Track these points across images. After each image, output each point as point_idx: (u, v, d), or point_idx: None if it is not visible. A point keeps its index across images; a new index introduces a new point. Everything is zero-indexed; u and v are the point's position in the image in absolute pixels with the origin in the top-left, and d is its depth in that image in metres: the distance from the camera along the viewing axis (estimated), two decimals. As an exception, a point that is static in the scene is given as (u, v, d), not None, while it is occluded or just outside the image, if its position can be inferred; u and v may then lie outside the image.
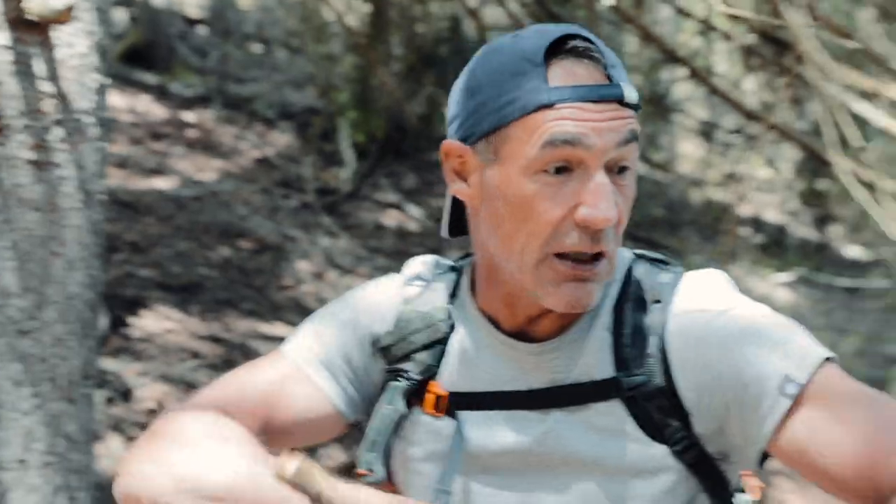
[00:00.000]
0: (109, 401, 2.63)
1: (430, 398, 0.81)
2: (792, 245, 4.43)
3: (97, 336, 1.76)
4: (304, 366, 0.82)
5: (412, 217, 4.31)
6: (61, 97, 1.59)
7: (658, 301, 0.76)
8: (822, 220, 4.39)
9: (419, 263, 0.87)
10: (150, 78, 5.41)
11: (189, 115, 5.09)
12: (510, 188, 0.71)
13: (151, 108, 4.89)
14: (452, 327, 0.82)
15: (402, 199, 4.24)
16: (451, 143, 0.75)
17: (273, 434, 0.78)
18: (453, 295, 0.84)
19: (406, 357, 0.82)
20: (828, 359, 0.67)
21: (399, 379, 0.82)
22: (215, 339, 3.10)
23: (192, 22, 7.15)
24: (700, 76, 3.17)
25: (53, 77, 1.58)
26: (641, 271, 0.79)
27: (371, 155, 4.34)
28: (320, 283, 3.74)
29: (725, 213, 3.65)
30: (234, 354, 3.07)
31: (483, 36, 3.58)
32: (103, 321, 2.82)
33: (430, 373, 0.82)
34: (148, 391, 2.75)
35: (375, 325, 0.84)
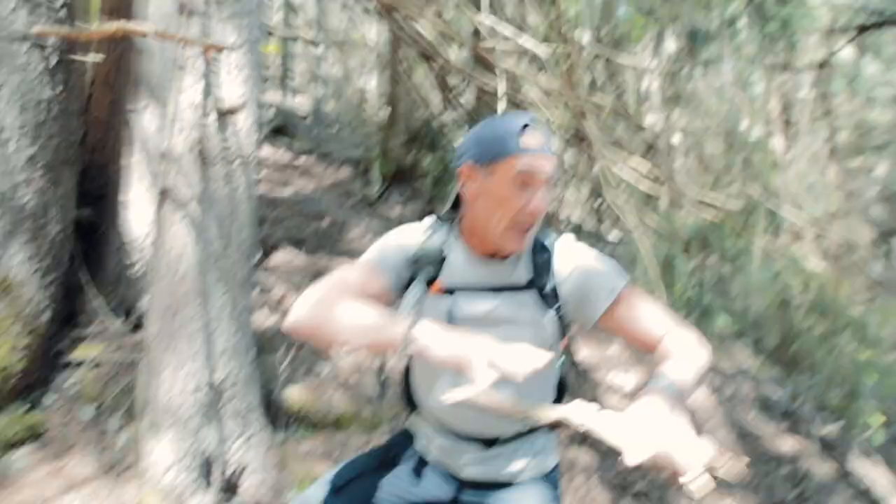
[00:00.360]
0: (259, 293, 3.71)
1: (435, 287, 1.33)
2: (584, 233, 7.23)
3: (255, 262, 2.69)
4: (375, 265, 1.31)
5: (404, 210, 6.64)
6: (238, 145, 2.52)
7: (550, 247, 1.37)
8: (599, 220, 7.04)
9: (429, 219, 1.43)
10: (283, 142, 9.11)
11: (301, 160, 7.96)
12: (498, 190, 1.26)
13: (284, 155, 7.73)
14: (444, 257, 1.35)
15: (401, 202, 6.91)
16: (467, 164, 1.31)
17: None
18: (446, 237, 1.38)
19: (425, 265, 1.34)
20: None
21: (420, 275, 1.34)
22: (311, 266, 4.39)
23: (304, 116, 11.68)
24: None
25: (235, 136, 2.51)
26: (541, 234, 1.39)
27: (386, 181, 6.97)
28: (362, 241, 5.37)
29: (553, 216, 6.50)
30: (321, 274, 4.06)
31: (441, 129, 6.42)
32: (258, 255, 4.05)
33: (436, 275, 1.34)
34: (279, 289, 3.91)
35: (409, 248, 1.36)
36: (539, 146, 1.26)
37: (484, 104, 5.14)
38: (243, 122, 2.58)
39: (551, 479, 1.48)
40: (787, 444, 4.35)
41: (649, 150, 5.33)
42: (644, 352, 1.36)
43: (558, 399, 1.48)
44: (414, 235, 1.40)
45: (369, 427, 3.04)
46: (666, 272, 5.74)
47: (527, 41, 2.30)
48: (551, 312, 1.34)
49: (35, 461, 2.31)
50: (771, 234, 5.35)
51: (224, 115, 2.51)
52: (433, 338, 1.02)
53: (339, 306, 1.11)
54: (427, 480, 1.46)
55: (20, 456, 2.30)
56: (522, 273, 1.35)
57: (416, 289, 1.33)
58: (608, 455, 3.55)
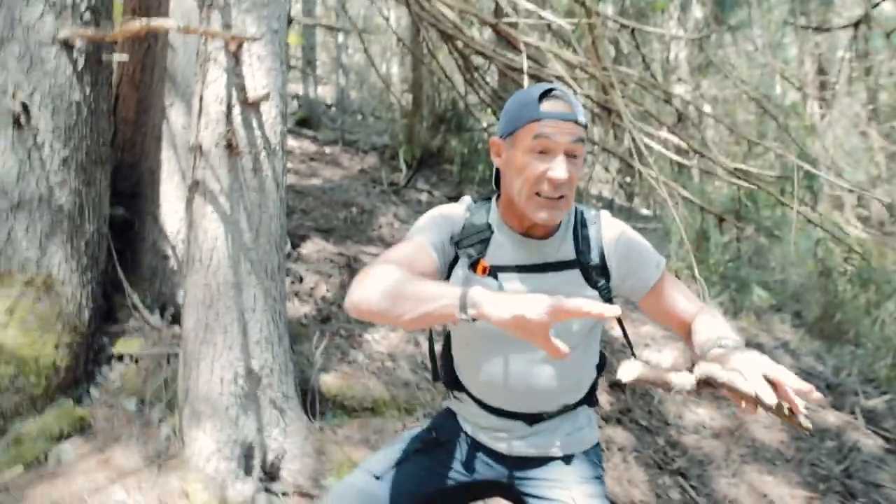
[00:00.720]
0: (291, 283, 3.79)
1: (480, 267, 1.31)
2: (616, 208, 7.09)
3: (285, 251, 2.70)
4: (423, 244, 1.28)
5: (432, 196, 6.63)
6: (264, 137, 2.53)
7: (594, 223, 1.36)
8: (629, 197, 6.92)
9: (468, 199, 1.42)
10: (308, 132, 9.21)
11: (328, 149, 8.09)
12: (518, 160, 1.24)
13: (310, 146, 7.82)
14: (492, 232, 1.34)
15: (428, 188, 6.83)
16: (494, 138, 1.32)
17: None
18: (488, 215, 1.37)
19: (468, 246, 1.33)
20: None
21: (464, 256, 1.32)
22: (340, 255, 4.38)
23: (329, 105, 11.68)
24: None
25: (261, 127, 2.52)
26: (582, 210, 1.39)
27: (413, 167, 7.03)
28: (390, 228, 5.39)
29: (583, 192, 6.43)
30: (350, 262, 4.34)
31: (467, 110, 6.22)
32: (288, 246, 4.09)
33: (481, 254, 1.32)
34: (310, 279, 3.95)
35: (453, 227, 1.35)
36: (560, 112, 1.23)
37: (509, 82, 5.08)
38: (268, 113, 2.58)
39: (594, 453, 1.50)
40: (830, 418, 4.24)
41: (679, 120, 5.21)
42: (676, 328, 1.37)
43: (599, 373, 1.50)
44: (456, 214, 1.38)
45: (405, 412, 3.06)
46: (700, 245, 5.64)
47: (548, 14, 2.25)
48: (598, 287, 1.34)
49: (83, 453, 2.38)
50: (809, 202, 5.20)
51: (249, 106, 2.52)
52: (491, 300, 0.99)
53: (396, 281, 1.10)
54: (473, 460, 1.47)
55: (68, 448, 2.37)
56: (567, 250, 1.35)
57: (461, 269, 1.33)
58: (645, 433, 3.52)
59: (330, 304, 3.90)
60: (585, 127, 1.26)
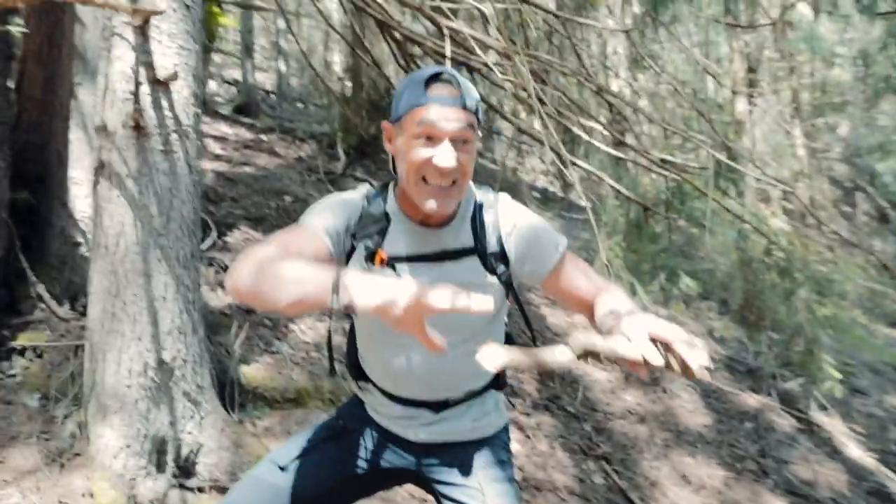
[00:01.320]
0: (216, 273, 3.74)
1: (378, 258, 1.26)
2: (550, 197, 7.31)
3: (199, 238, 2.56)
4: (315, 230, 1.23)
5: (368, 184, 7.05)
6: (175, 118, 2.41)
7: (492, 208, 1.33)
8: (564, 187, 7.15)
9: (366, 187, 1.39)
10: (246, 120, 8.98)
11: (264, 137, 7.98)
12: (404, 146, 1.20)
13: (245, 134, 7.69)
14: (389, 221, 1.29)
15: (366, 177, 6.77)
16: (385, 123, 1.28)
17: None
18: (385, 203, 1.32)
19: (365, 236, 1.28)
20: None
21: (361, 247, 1.27)
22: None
23: (267, 92, 11.41)
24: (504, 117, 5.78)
25: (171, 107, 2.39)
26: (480, 195, 1.35)
27: (351, 156, 7.00)
28: None
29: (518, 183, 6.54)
30: None
31: None
32: (213, 235, 4.07)
33: (378, 245, 1.27)
34: (235, 268, 4.58)
35: (350, 216, 1.29)
36: (446, 97, 1.18)
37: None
38: (180, 93, 2.46)
39: (502, 437, 1.49)
40: (749, 401, 4.42)
41: (611, 112, 5.29)
42: (580, 308, 1.35)
43: None
44: (353, 202, 1.33)
45: (330, 403, 3.00)
46: (633, 235, 5.77)
47: (469, -1, 2.23)
48: (498, 273, 1.31)
49: (-25, 453, 2.22)
50: (733, 194, 5.38)
51: (158, 85, 2.40)
52: (360, 286, 0.91)
53: (274, 263, 1.02)
54: (380, 448, 1.45)
55: (-41, 449, 2.21)
56: (465, 237, 1.31)
57: (357, 262, 1.28)
58: (572, 419, 3.57)
59: (256, 294, 3.78)
60: (476, 112, 1.21)
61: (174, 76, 2.36)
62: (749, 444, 3.85)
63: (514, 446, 3.15)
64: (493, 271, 1.31)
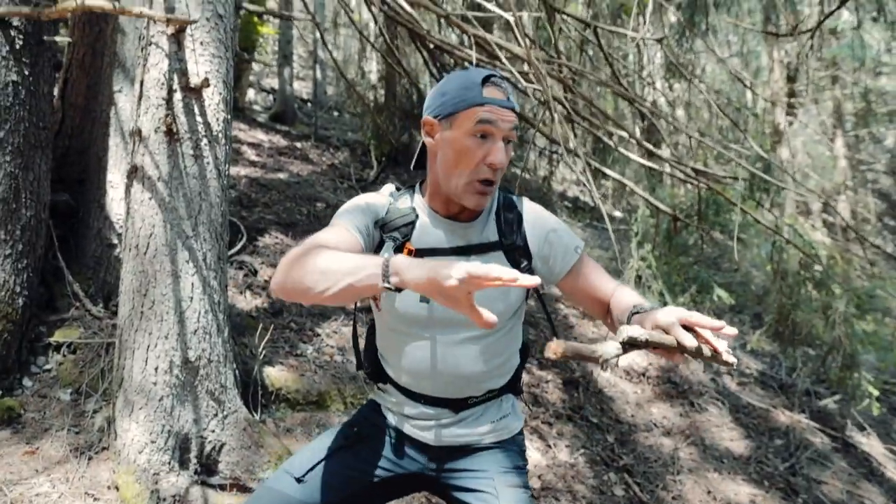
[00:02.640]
0: (245, 276, 3.78)
1: (406, 250, 1.30)
2: (581, 207, 7.21)
3: (227, 241, 2.64)
4: (346, 227, 1.27)
5: (393, 185, 7.07)
6: (206, 123, 2.50)
7: (516, 206, 1.38)
8: (594, 196, 7.05)
9: (392, 186, 1.44)
10: (282, 127, 9.16)
11: (299, 144, 8.10)
12: (459, 142, 1.24)
13: (281, 141, 7.78)
14: (417, 216, 1.34)
15: (397, 184, 7.23)
16: (427, 118, 1.30)
17: None
18: (412, 200, 1.38)
19: (393, 230, 1.32)
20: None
21: (389, 240, 1.31)
22: None
23: (304, 100, 11.64)
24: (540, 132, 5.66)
25: (202, 113, 2.49)
26: (503, 194, 1.41)
27: (383, 163, 7.08)
28: None
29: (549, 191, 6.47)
30: None
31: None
32: (244, 239, 4.16)
33: (406, 238, 1.32)
34: (264, 272, 3.93)
35: (377, 212, 1.34)
36: (500, 99, 1.25)
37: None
38: (211, 99, 2.54)
39: (518, 442, 1.50)
40: (781, 417, 4.30)
41: (643, 120, 5.23)
42: (593, 309, 1.38)
43: (522, 360, 1.51)
44: (379, 201, 1.38)
45: (351, 406, 3.03)
46: (664, 246, 5.68)
47: (492, 7, 2.24)
48: (521, 268, 1.34)
49: (9, 444, 2.31)
50: (772, 207, 5.25)
51: (190, 92, 2.48)
52: (410, 265, 0.96)
53: (319, 257, 1.07)
54: (397, 452, 1.46)
55: (-5, 438, 2.30)
56: (490, 232, 1.35)
57: (386, 253, 1.30)
58: (595, 430, 3.53)
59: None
60: (518, 113, 1.30)
61: (206, 83, 2.44)
62: (779, 461, 3.74)
63: (535, 455, 3.13)
64: (516, 265, 1.34)
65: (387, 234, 1.33)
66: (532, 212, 1.40)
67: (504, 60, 2.48)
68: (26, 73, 2.68)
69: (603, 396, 3.94)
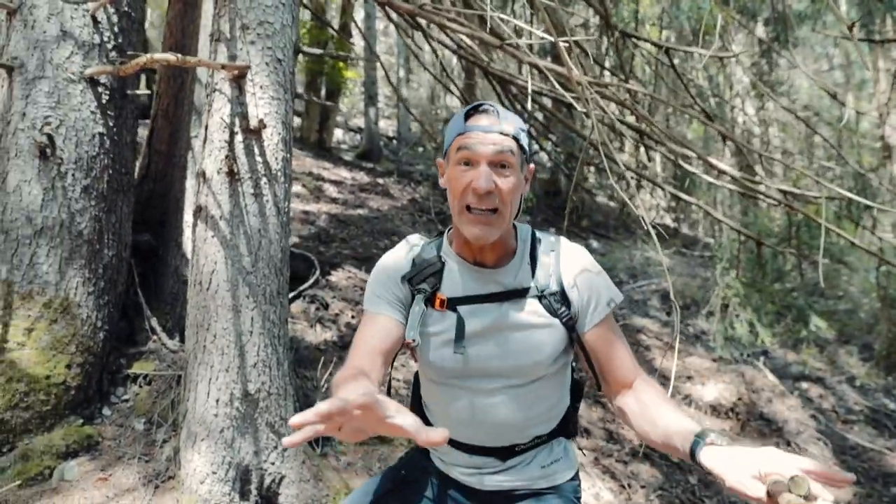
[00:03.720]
0: (316, 309, 3.88)
1: (438, 301, 1.29)
2: (664, 233, 6.78)
3: (287, 276, 2.71)
4: (374, 315, 1.29)
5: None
6: (266, 163, 2.59)
7: (553, 249, 1.32)
8: (676, 221, 6.60)
9: (416, 236, 1.42)
10: (367, 164, 9.51)
11: (381, 180, 8.45)
12: (449, 176, 1.25)
13: (364, 178, 8.10)
14: (443, 264, 1.32)
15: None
16: (439, 160, 1.34)
17: (388, 350, 1.23)
18: (440, 248, 1.36)
19: (421, 281, 1.31)
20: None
21: (419, 293, 1.30)
22: None
23: (390, 138, 12.01)
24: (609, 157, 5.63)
25: (262, 154, 2.58)
26: (539, 235, 1.35)
27: None
28: None
29: (637, 219, 6.18)
30: None
31: None
32: (316, 273, 4.29)
33: (435, 289, 1.30)
34: (337, 305, 4.06)
35: (399, 270, 1.33)
36: (483, 125, 1.23)
37: (555, 111, 5.03)
38: (270, 140, 2.65)
39: (571, 488, 1.43)
40: (896, 461, 3.85)
41: (724, 142, 4.98)
42: (605, 384, 1.32)
43: (575, 401, 1.44)
44: (398, 259, 1.38)
45: (411, 442, 2.99)
46: (753, 272, 5.33)
47: (540, 33, 2.21)
48: (559, 314, 1.29)
49: (87, 470, 2.45)
50: (872, 228, 4.81)
51: (250, 133, 2.59)
52: None
53: (340, 382, 1.09)
54: (443, 497, 1.43)
55: (73, 465, 2.44)
56: (523, 278, 1.31)
57: (416, 307, 1.30)
58: (675, 470, 3.30)
59: (353, 331, 3.91)
60: (517, 139, 1.23)
61: (262, 124, 2.54)
62: (892, 511, 3.34)
63: (607, 496, 2.95)
64: (554, 313, 1.29)
65: (415, 287, 1.31)
66: (570, 253, 1.34)
67: (556, 84, 2.43)
68: (111, 124, 2.91)
69: (685, 434, 3.68)
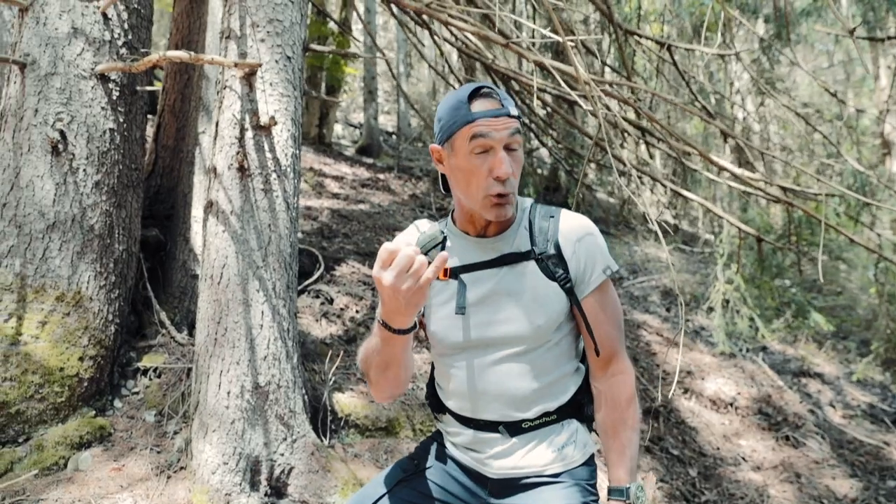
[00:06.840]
0: (321, 304, 3.91)
1: (442, 271, 1.18)
2: (665, 229, 6.86)
3: (296, 270, 2.76)
4: None
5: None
6: (275, 160, 2.63)
7: (552, 216, 1.36)
8: (676, 217, 6.67)
9: (424, 220, 1.51)
10: (367, 160, 9.52)
11: (382, 175, 8.44)
12: (461, 165, 1.26)
13: (364, 173, 8.08)
14: (445, 238, 1.38)
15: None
16: (433, 146, 1.33)
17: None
18: (444, 226, 1.44)
19: (424, 254, 1.28)
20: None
21: None
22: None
23: (389, 133, 12.01)
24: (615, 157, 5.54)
25: (272, 150, 2.62)
26: (538, 206, 1.39)
27: None
28: None
29: (643, 217, 6.23)
30: None
31: None
32: (321, 268, 4.33)
33: None
34: (341, 300, 4.06)
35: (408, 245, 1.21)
36: (491, 109, 1.24)
37: (557, 107, 5.06)
38: (280, 136, 2.68)
39: (586, 474, 1.39)
40: (894, 455, 3.90)
41: (725, 140, 5.02)
42: (587, 349, 1.37)
43: (585, 385, 1.43)
44: (408, 234, 1.45)
45: (419, 433, 3.04)
46: (754, 269, 5.38)
47: (546, 32, 2.24)
48: (557, 277, 1.32)
49: (100, 460, 2.49)
50: (871, 225, 4.86)
51: (260, 130, 2.63)
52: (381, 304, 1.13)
53: (362, 364, 1.35)
54: (454, 484, 1.45)
55: (87, 456, 2.49)
56: (521, 243, 1.35)
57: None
58: (676, 462, 3.35)
59: (357, 325, 3.95)
60: (518, 118, 1.27)
61: (273, 121, 2.58)
62: None
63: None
64: (552, 276, 1.32)
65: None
66: (569, 220, 1.37)
67: (561, 82, 2.47)
68: (121, 120, 2.94)
69: (685, 427, 3.74)
